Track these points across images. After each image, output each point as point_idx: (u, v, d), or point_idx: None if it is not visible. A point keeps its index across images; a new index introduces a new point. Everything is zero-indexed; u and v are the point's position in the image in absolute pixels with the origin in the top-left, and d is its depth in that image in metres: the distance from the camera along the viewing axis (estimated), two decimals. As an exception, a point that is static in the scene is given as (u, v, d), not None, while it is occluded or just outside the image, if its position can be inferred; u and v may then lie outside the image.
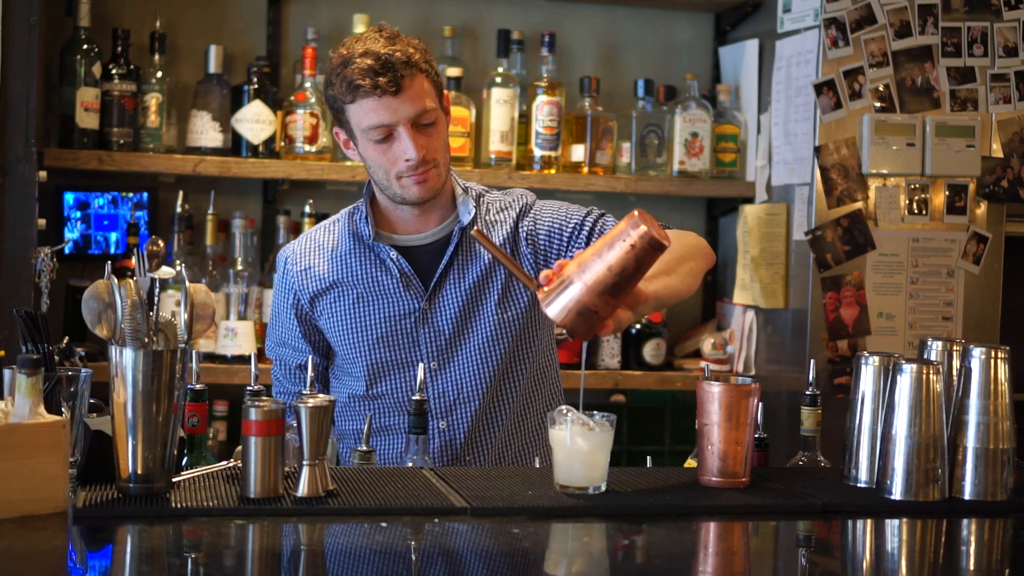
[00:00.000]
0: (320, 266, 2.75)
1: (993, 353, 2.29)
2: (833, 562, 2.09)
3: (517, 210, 2.79)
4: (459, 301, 2.72)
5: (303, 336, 2.78)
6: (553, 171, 3.84)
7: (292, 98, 3.71)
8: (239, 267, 3.67)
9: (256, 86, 3.69)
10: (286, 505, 2.08)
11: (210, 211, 3.69)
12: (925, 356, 2.38)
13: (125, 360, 2.06)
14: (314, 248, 2.78)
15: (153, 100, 3.64)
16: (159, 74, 3.67)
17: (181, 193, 3.67)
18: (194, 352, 2.33)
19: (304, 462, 2.12)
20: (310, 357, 2.44)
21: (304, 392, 2.21)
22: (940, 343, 2.37)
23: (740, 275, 3.91)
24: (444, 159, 2.68)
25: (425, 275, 2.73)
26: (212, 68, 3.69)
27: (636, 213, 2.18)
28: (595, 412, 2.26)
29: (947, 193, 3.66)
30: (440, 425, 2.73)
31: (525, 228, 2.77)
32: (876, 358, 2.35)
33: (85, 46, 3.56)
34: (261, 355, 3.64)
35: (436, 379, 2.73)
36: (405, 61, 2.59)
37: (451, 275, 2.73)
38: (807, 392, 2.51)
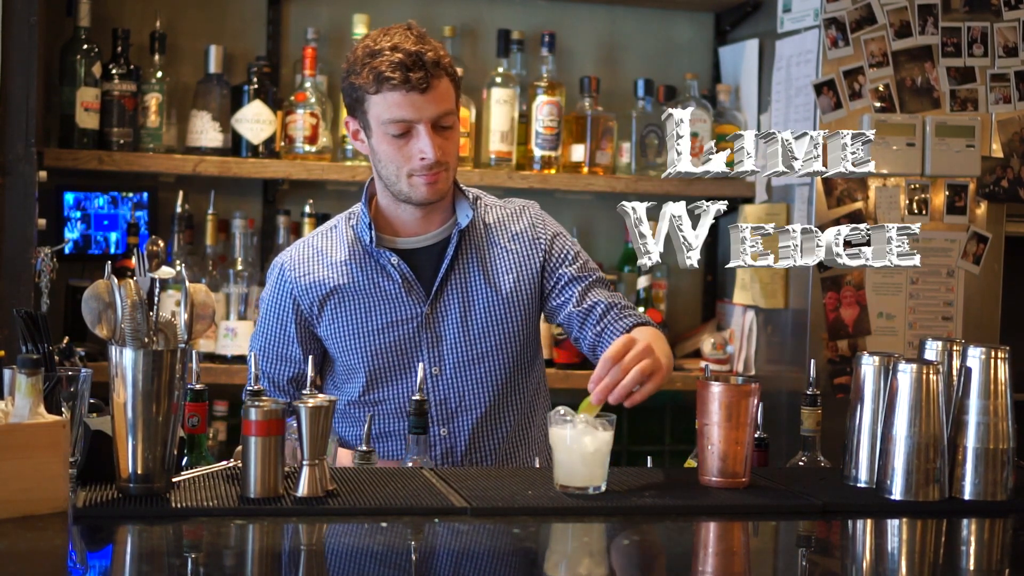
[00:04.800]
0: (319, 272, 2.72)
1: (993, 353, 2.29)
2: (833, 562, 2.09)
3: (529, 218, 2.80)
4: (461, 306, 2.71)
5: (299, 343, 2.73)
6: (553, 171, 3.83)
7: (292, 98, 3.71)
8: (239, 267, 3.67)
9: (256, 86, 3.69)
10: (286, 505, 2.08)
11: (210, 211, 3.68)
12: (924, 356, 2.38)
13: (125, 360, 2.06)
14: (312, 254, 2.74)
15: (153, 100, 3.64)
16: (159, 74, 3.67)
17: (181, 193, 3.67)
18: (194, 352, 2.32)
19: (304, 462, 2.12)
20: (311, 357, 2.40)
21: (304, 392, 2.21)
22: (940, 343, 2.37)
23: (740, 275, 3.91)
24: (454, 163, 2.69)
25: (426, 279, 2.71)
26: (212, 68, 3.68)
27: None
28: (595, 412, 2.27)
29: (947, 193, 3.66)
30: (441, 432, 2.71)
31: (543, 239, 2.78)
32: (876, 358, 2.35)
33: (85, 46, 3.56)
34: (261, 355, 3.65)
35: (437, 384, 2.71)
36: (435, 62, 2.60)
37: (452, 279, 2.72)
38: (807, 392, 2.51)
